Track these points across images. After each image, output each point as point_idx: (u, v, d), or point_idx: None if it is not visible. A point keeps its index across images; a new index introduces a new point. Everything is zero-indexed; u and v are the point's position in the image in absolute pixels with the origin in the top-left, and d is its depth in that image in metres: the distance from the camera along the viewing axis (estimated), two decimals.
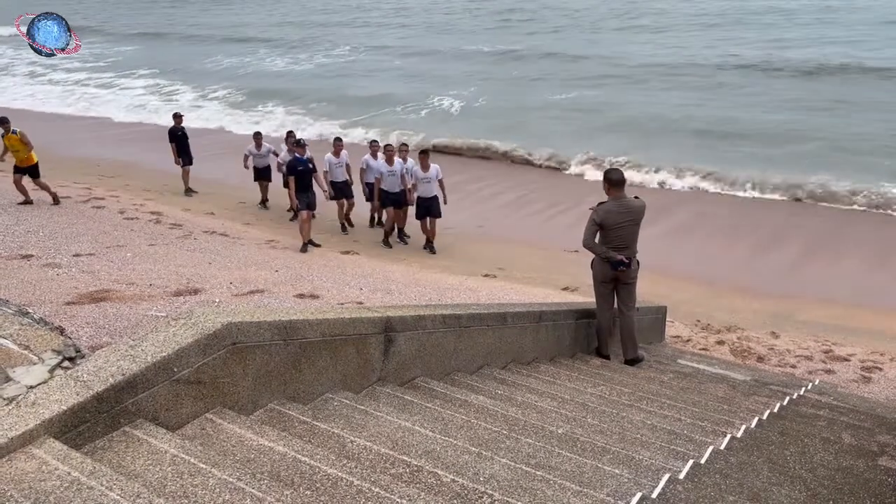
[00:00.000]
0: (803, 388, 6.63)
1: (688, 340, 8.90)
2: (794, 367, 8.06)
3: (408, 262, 12.13)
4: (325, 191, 12.82)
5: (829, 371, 7.93)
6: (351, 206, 13.68)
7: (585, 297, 10.23)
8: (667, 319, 9.03)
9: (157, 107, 28.60)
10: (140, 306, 7.06)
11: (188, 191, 16.05)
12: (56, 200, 12.54)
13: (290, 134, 14.48)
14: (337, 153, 13.21)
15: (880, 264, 12.17)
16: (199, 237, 11.53)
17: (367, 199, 13.42)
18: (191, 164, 16.09)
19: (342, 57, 39.09)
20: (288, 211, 14.31)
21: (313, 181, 12.23)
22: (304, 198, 11.94)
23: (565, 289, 11.04)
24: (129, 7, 77.47)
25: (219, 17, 65.63)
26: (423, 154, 12.67)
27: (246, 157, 15.14)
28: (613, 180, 6.54)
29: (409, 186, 12.55)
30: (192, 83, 33.26)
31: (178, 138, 15.79)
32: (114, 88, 33.64)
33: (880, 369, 8.00)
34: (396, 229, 13.35)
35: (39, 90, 32.87)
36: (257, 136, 15.12)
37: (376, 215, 14.02)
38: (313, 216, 12.42)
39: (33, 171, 12.34)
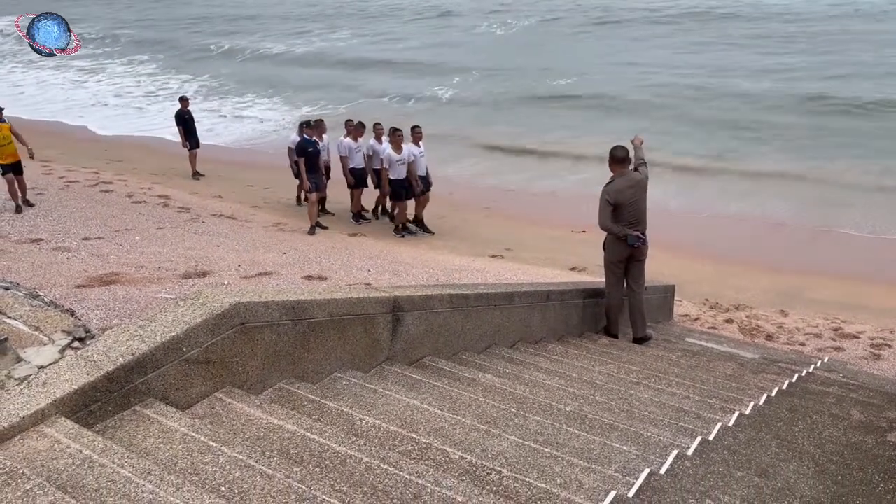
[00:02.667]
0: (812, 366, 6.63)
1: (696, 319, 8.88)
2: (803, 344, 8.04)
3: (415, 244, 12.12)
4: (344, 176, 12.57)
5: (839, 349, 7.91)
6: (385, 195, 13.05)
7: (593, 276, 10.22)
8: (675, 298, 9.01)
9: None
10: (149, 289, 7.10)
11: (196, 174, 16.07)
12: (26, 204, 10.95)
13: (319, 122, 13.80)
14: (356, 137, 12.76)
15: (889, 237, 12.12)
16: (206, 220, 11.55)
17: (376, 187, 12.98)
18: (198, 147, 16.09)
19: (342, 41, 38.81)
20: (299, 198, 14.02)
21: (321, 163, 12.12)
22: (312, 179, 11.84)
23: (573, 269, 11.01)
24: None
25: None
26: (415, 130, 12.52)
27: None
28: (619, 157, 6.52)
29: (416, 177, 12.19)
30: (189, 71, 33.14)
31: (185, 121, 15.78)
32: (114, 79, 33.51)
33: (890, 346, 7.97)
34: (419, 218, 12.91)
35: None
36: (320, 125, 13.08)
37: (381, 205, 13.61)
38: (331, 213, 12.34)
39: (17, 168, 10.88)
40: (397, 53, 34.16)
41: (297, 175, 12.60)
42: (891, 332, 8.46)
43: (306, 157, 11.77)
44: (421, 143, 12.47)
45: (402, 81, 28.40)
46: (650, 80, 25.00)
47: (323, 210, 13.20)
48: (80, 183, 13.35)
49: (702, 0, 31.89)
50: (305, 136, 12.02)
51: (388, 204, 13.24)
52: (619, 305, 7.02)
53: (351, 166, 12.67)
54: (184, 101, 16.13)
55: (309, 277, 8.49)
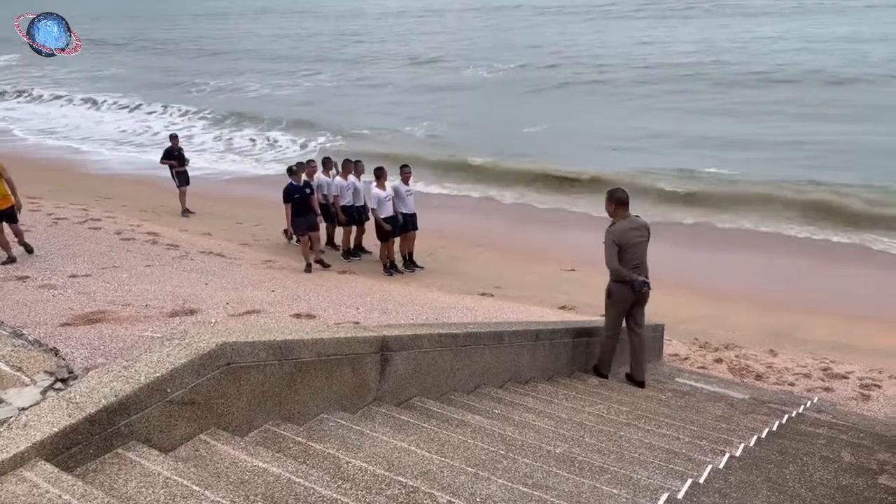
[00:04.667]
0: (802, 406, 6.61)
1: (686, 358, 8.87)
2: (792, 384, 8.03)
3: (405, 282, 12.11)
4: (320, 216, 12.54)
5: (828, 389, 7.90)
6: (361, 231, 13.38)
7: (582, 315, 10.22)
8: (664, 337, 9.00)
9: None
10: (136, 327, 7.03)
11: (185, 211, 16.06)
12: (25, 248, 10.08)
13: (325, 161, 13.80)
14: (346, 175, 12.92)
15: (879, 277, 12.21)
16: (195, 258, 11.50)
17: (341, 225, 13.09)
18: (188, 184, 16.10)
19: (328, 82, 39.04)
20: (287, 238, 14.08)
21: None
22: (302, 222, 11.78)
23: (563, 307, 11.01)
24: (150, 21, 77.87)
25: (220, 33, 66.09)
26: (404, 169, 12.68)
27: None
28: (623, 199, 6.48)
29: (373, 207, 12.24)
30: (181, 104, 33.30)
31: (175, 159, 15.82)
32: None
33: (879, 387, 7.97)
34: (408, 255, 12.95)
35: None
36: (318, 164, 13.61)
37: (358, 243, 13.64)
38: (322, 250, 12.24)
39: (11, 216, 9.80)
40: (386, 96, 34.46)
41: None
42: (879, 371, 8.47)
43: (293, 203, 11.75)
44: (410, 181, 12.60)
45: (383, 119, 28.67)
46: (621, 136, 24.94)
47: (329, 244, 13.54)
48: (68, 220, 13.30)
49: (687, 60, 32.09)
50: (292, 182, 11.87)
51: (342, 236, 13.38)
52: (614, 348, 6.95)
53: (342, 204, 12.75)
54: (174, 138, 16.19)
55: (297, 316, 8.44)
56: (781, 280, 12.55)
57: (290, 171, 12.23)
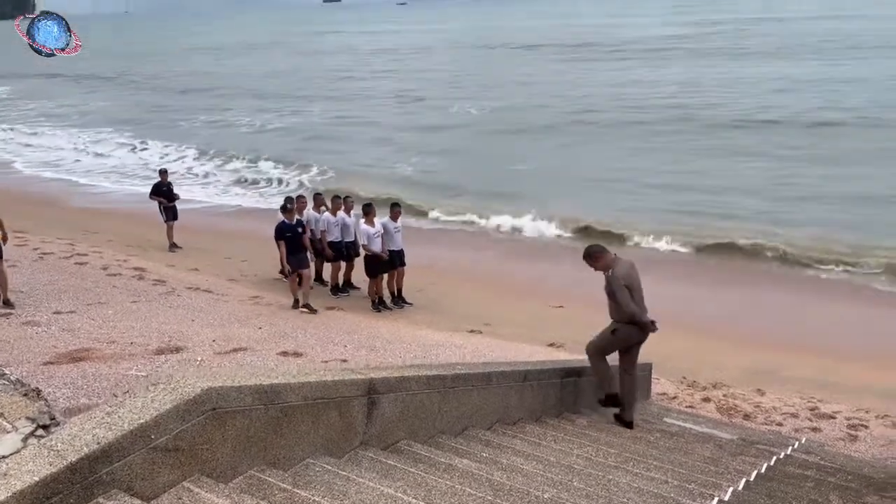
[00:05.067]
0: (790, 448, 6.59)
1: (674, 398, 8.85)
2: (780, 424, 8.02)
3: (394, 318, 12.08)
4: (321, 251, 12.54)
5: (816, 429, 7.90)
6: (350, 267, 13.35)
7: (571, 353, 10.20)
8: (652, 376, 8.99)
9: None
10: (120, 366, 6.96)
11: (172, 246, 15.99)
12: (6, 305, 9.03)
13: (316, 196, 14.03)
14: (334, 212, 12.93)
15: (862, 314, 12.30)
16: (182, 293, 11.43)
17: (328, 260, 13.10)
18: (175, 219, 16.07)
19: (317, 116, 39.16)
20: (280, 273, 13.96)
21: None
22: (293, 261, 11.62)
23: (551, 345, 11.00)
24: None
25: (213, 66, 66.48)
26: (394, 208, 12.79)
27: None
28: (601, 248, 6.56)
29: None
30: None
31: (164, 194, 15.81)
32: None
33: (866, 427, 7.97)
34: (397, 291, 12.92)
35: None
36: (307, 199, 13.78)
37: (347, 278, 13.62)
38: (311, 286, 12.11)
39: None
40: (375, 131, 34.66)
41: None
42: (866, 411, 8.48)
43: (286, 241, 11.56)
44: (398, 219, 12.67)
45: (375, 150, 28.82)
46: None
47: (318, 280, 13.37)
48: (54, 255, 13.22)
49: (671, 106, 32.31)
50: (285, 220, 11.77)
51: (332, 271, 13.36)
52: (608, 366, 6.83)
53: (329, 240, 12.75)
54: (163, 173, 16.22)
55: (284, 353, 8.38)
56: (767, 316, 12.61)
57: (283, 208, 12.15)
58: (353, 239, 12.91)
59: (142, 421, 2.92)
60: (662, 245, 16.29)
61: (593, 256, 6.52)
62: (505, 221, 18.44)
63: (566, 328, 11.68)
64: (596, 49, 68.41)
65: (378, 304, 12.51)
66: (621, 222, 17.63)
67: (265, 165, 27.26)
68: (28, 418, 3.05)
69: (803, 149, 24.01)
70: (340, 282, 13.34)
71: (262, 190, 24.33)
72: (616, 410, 6.86)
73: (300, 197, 13.79)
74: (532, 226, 18.06)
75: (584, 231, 17.33)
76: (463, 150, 28.46)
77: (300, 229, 11.84)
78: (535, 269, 15.59)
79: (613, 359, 6.88)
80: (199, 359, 7.60)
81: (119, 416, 2.94)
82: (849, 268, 13.98)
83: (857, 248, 14.73)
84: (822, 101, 31.64)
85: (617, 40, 75.35)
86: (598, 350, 6.80)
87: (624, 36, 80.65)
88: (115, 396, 5.81)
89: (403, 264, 12.72)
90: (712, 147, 25.15)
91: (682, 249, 16.09)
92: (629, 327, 6.51)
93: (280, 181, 24.82)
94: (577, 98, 38.85)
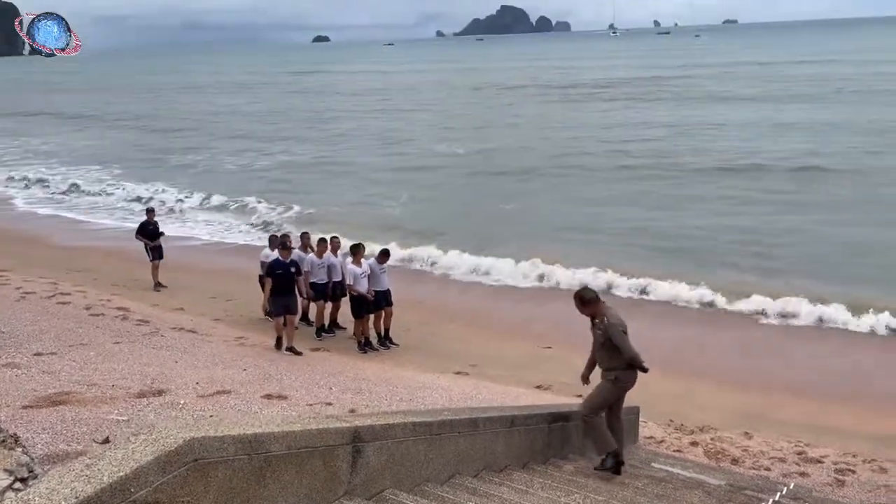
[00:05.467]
0: (778, 494, 6.55)
1: (661, 441, 8.80)
2: (768, 469, 7.99)
3: (380, 360, 12.01)
4: (303, 293, 12.35)
5: (803, 474, 7.87)
6: (337, 308, 13.27)
7: (558, 395, 10.17)
8: (640, 419, 8.95)
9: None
10: (100, 409, 6.85)
11: (157, 285, 15.88)
12: None
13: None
14: (320, 253, 12.87)
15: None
16: (166, 334, 11.32)
17: (309, 301, 13.02)
18: (161, 258, 15.98)
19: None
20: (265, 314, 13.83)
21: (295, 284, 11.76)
22: (281, 302, 11.34)
23: (538, 387, 10.95)
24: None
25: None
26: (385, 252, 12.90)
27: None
28: (595, 294, 6.58)
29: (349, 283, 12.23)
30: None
31: (149, 233, 15.76)
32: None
33: (853, 472, 7.95)
34: (384, 331, 12.85)
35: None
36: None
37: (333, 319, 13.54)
38: (296, 327, 11.89)
39: None
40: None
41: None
42: (853, 455, 8.47)
43: (275, 279, 11.34)
44: (385, 263, 12.71)
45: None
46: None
47: (304, 319, 13.23)
48: (36, 294, 13.08)
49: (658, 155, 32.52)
50: (279, 257, 11.60)
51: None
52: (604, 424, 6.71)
53: (312, 281, 12.68)
54: (150, 212, 16.21)
55: (268, 396, 8.28)
56: (753, 357, 12.63)
57: (282, 245, 11.95)
58: (339, 279, 12.86)
59: (121, 474, 2.86)
60: (649, 294, 16.04)
61: (587, 302, 6.50)
62: (491, 263, 18.38)
63: (553, 370, 11.64)
64: (581, 90, 69.54)
65: (364, 345, 12.44)
66: (604, 266, 17.52)
67: (251, 204, 27.23)
68: (6, 470, 2.99)
69: (787, 194, 24.22)
70: (326, 322, 13.26)
71: (248, 227, 24.25)
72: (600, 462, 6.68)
73: (284, 235, 13.74)
74: (517, 268, 17.99)
75: (568, 280, 17.11)
76: (449, 190, 28.56)
77: (293, 269, 11.59)
78: (522, 310, 15.56)
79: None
80: (182, 402, 7.50)
81: (98, 469, 2.88)
82: (836, 312, 13.97)
83: (844, 293, 14.74)
84: (805, 146, 31.99)
85: (602, 81, 76.69)
86: (595, 407, 6.61)
87: (608, 77, 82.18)
88: (95, 442, 5.71)
89: (390, 304, 12.69)
90: (697, 192, 25.25)
91: (665, 298, 15.81)
92: (628, 373, 6.47)
93: (267, 222, 24.76)
94: (562, 140, 39.24)
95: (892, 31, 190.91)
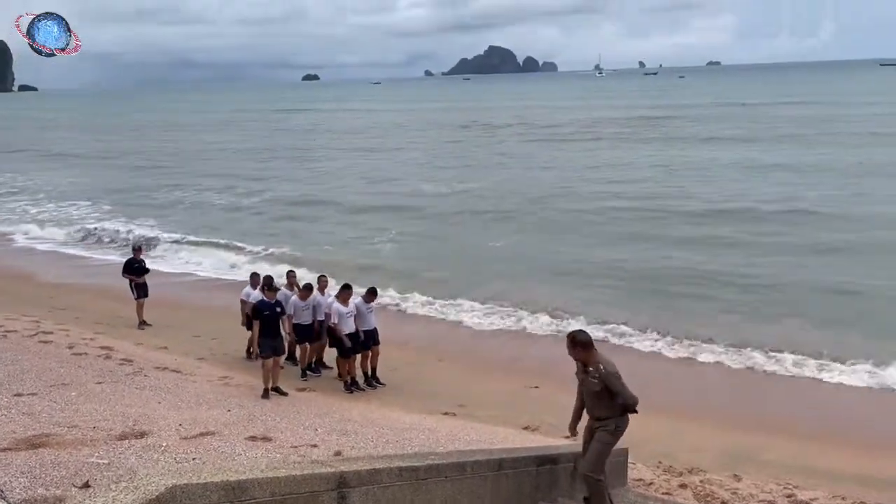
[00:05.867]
0: None
1: (650, 484, 8.73)
2: None
3: (367, 400, 11.88)
4: (288, 334, 12.24)
5: None
6: (322, 346, 13.12)
7: (546, 437, 10.09)
8: (628, 461, 8.87)
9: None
10: (81, 452, 6.71)
11: (142, 324, 15.73)
12: None
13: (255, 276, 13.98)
14: (303, 297, 12.73)
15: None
16: (149, 374, 11.16)
17: (295, 343, 12.95)
18: (146, 296, 15.86)
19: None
20: (249, 352, 13.68)
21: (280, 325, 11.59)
22: (268, 344, 11.11)
23: (526, 428, 10.87)
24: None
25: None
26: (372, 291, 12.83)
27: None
28: (591, 339, 6.49)
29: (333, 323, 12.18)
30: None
31: (135, 270, 15.66)
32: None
33: None
34: (370, 371, 12.75)
35: None
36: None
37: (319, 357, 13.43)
38: (281, 366, 11.71)
39: None
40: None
41: (249, 329, 12.49)
42: (843, 498, 8.43)
43: (262, 321, 11.14)
44: (373, 302, 12.67)
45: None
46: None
47: (290, 358, 13.07)
48: (18, 333, 12.88)
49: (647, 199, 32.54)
50: (264, 298, 11.45)
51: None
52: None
53: (296, 322, 12.59)
54: (136, 250, 16.15)
55: (253, 438, 8.14)
56: (743, 397, 12.61)
57: (268, 286, 11.77)
58: (321, 318, 12.74)
59: None
60: (643, 345, 15.71)
61: (580, 344, 6.34)
62: (475, 307, 18.28)
63: (541, 409, 11.58)
64: (567, 129, 70.33)
65: (351, 385, 12.33)
66: (590, 307, 17.45)
67: (237, 241, 27.16)
68: None
69: (773, 236, 24.26)
70: (312, 361, 13.15)
71: (233, 264, 24.08)
72: (586, 493, 6.67)
73: (266, 277, 13.64)
74: (503, 311, 17.88)
75: (555, 321, 17.04)
76: (434, 231, 28.53)
77: (279, 309, 11.45)
78: (509, 348, 15.52)
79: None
80: (164, 444, 7.36)
81: None
82: (822, 361, 13.93)
83: (834, 340, 14.73)
84: (787, 190, 32.14)
85: (587, 120, 77.66)
86: (601, 465, 6.48)
87: (593, 116, 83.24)
88: (75, 487, 5.59)
89: (377, 343, 12.62)
90: (685, 236, 25.21)
91: (656, 347, 15.53)
92: (624, 418, 6.42)
93: (252, 259, 24.63)
94: (549, 179, 39.50)
95: (867, 73, 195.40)
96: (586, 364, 6.32)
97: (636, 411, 6.39)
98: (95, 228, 30.62)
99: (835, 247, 22.63)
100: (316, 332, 12.80)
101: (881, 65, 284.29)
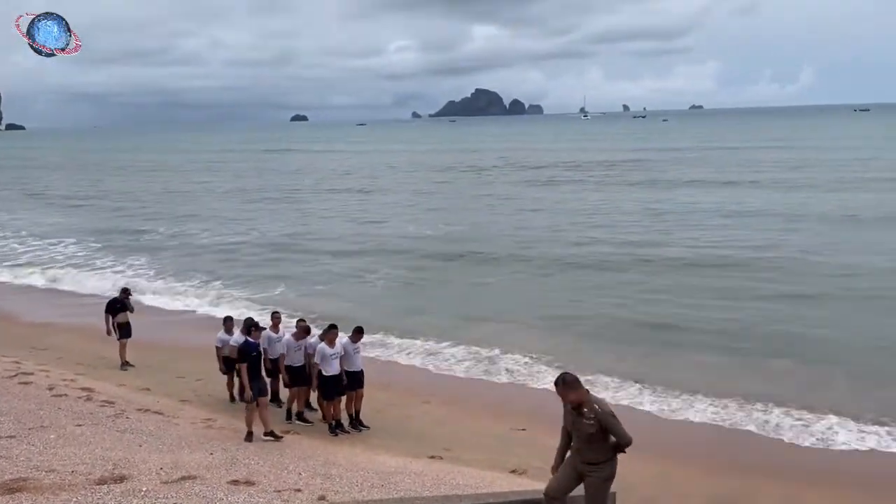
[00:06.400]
0: None
1: None
2: None
3: (351, 443, 11.73)
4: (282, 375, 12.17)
5: None
6: (309, 389, 12.81)
7: (533, 480, 9.96)
8: None
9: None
10: (59, 497, 6.60)
11: (125, 364, 15.54)
12: None
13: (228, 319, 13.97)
14: (297, 337, 12.59)
15: None
16: (131, 416, 11.00)
17: (286, 386, 12.76)
18: (129, 336, 15.70)
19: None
20: (232, 395, 13.48)
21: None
22: (256, 385, 10.99)
23: (513, 471, 10.75)
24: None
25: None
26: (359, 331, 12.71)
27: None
28: (580, 381, 6.37)
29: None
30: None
31: (116, 311, 15.51)
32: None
33: None
34: (355, 414, 12.59)
35: None
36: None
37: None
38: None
39: None
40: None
41: (226, 374, 12.88)
42: None
43: (249, 363, 10.97)
44: (360, 341, 12.59)
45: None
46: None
47: (274, 400, 12.92)
48: None
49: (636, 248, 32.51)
50: (248, 339, 11.18)
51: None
52: None
53: (287, 363, 12.48)
54: (124, 291, 16.09)
55: (235, 482, 8.01)
56: (726, 444, 12.55)
57: (255, 326, 11.47)
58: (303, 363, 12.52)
59: None
60: (627, 392, 15.56)
61: (571, 385, 6.19)
62: (460, 349, 18.13)
63: (529, 453, 11.48)
64: (552, 170, 71.09)
65: (335, 428, 12.17)
66: (576, 355, 17.33)
67: (222, 281, 27.05)
68: None
69: (761, 282, 24.24)
70: (302, 409, 12.86)
71: (217, 305, 23.85)
72: None
73: (275, 314, 13.54)
74: (488, 354, 17.74)
75: (540, 365, 16.92)
76: (421, 273, 28.44)
77: (261, 350, 11.45)
78: (495, 392, 15.40)
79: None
80: (144, 489, 7.23)
81: None
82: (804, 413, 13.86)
83: (819, 390, 14.69)
84: (778, 235, 32.25)
85: (572, 164, 78.53)
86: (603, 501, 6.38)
87: (579, 159, 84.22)
88: None
89: (361, 386, 12.49)
90: (671, 284, 25.15)
91: (645, 406, 15.36)
92: (615, 461, 6.35)
93: (235, 299, 24.48)
94: (534, 222, 39.69)
95: (843, 119, 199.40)
96: (580, 405, 6.15)
97: (625, 451, 6.35)
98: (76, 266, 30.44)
99: (810, 294, 22.61)
100: (308, 375, 12.60)
101: (855, 110, 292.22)
